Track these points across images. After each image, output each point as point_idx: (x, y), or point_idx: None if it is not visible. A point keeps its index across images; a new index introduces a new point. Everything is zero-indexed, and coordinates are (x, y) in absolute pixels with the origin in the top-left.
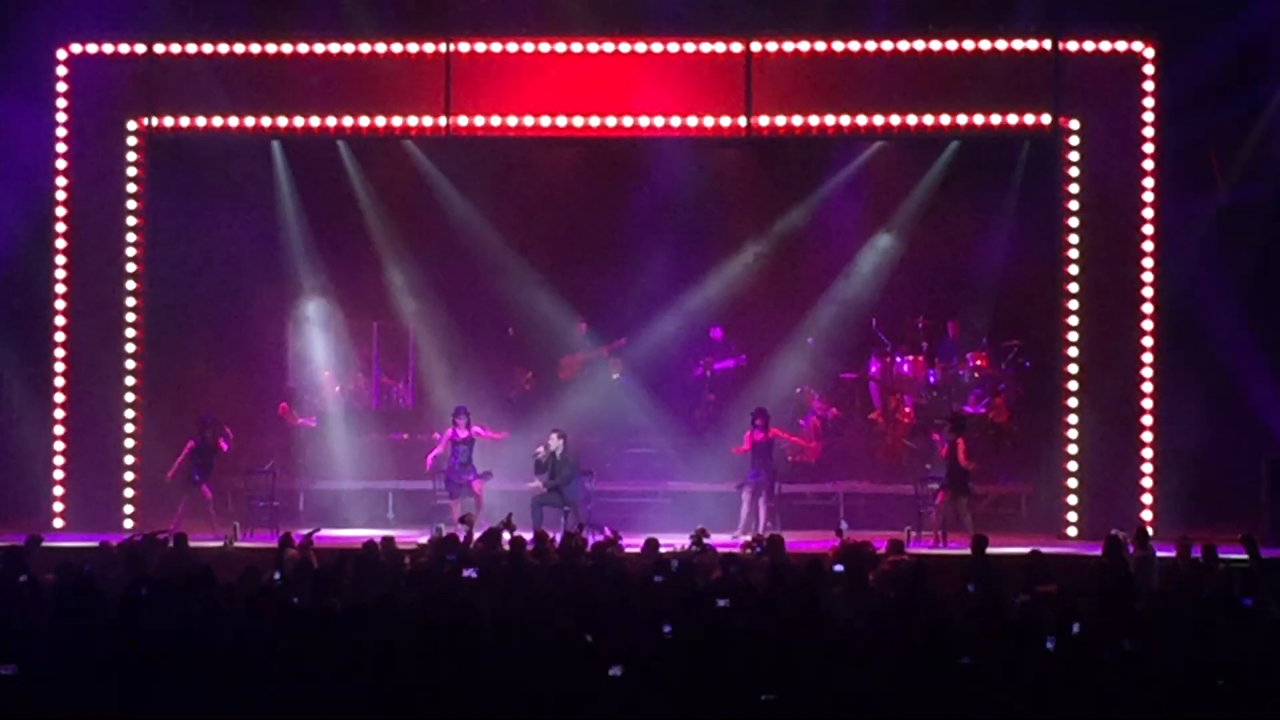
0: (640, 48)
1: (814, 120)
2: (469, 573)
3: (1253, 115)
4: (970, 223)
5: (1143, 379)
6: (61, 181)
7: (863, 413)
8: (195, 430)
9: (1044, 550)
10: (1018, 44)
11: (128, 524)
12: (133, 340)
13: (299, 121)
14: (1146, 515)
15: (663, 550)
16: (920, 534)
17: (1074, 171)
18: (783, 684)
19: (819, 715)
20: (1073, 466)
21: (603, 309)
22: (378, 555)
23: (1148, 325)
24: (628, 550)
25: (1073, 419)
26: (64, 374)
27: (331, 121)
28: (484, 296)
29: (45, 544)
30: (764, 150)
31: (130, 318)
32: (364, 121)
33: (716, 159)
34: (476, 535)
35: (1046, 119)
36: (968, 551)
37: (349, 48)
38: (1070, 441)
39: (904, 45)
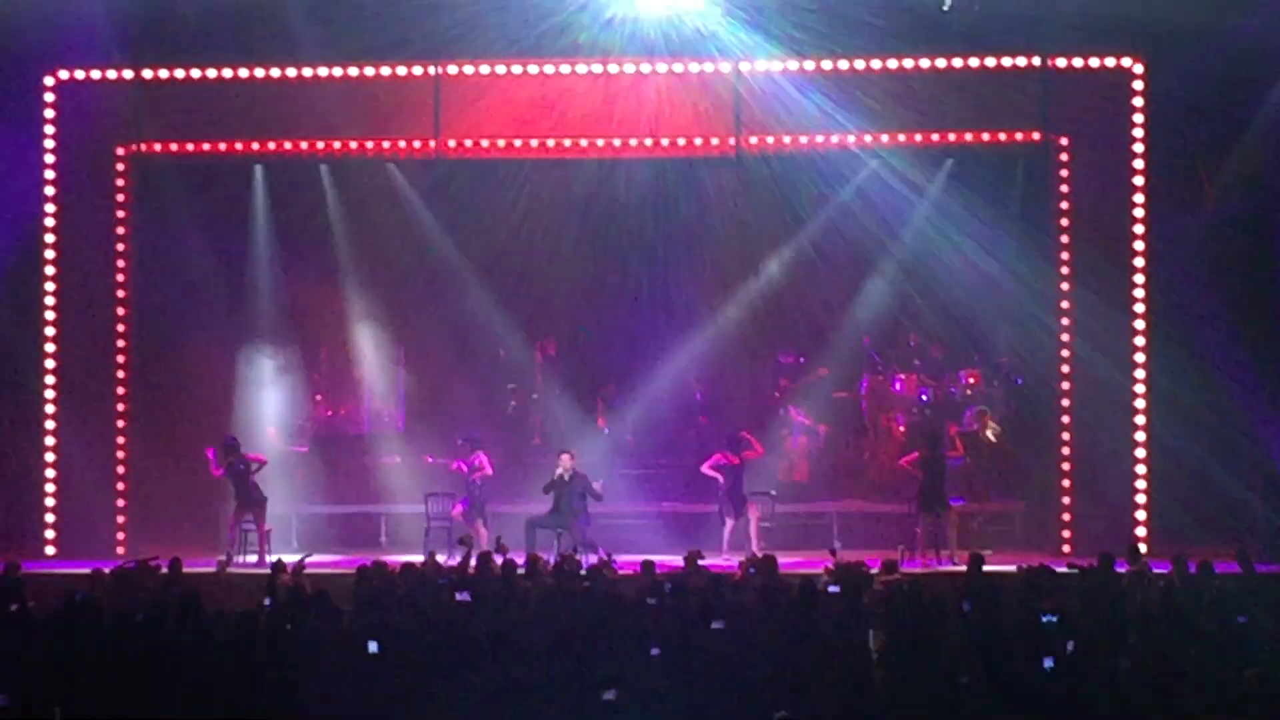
0: (629, 69)
1: (803, 139)
2: (462, 596)
3: (1240, 129)
4: (963, 239)
5: (1136, 394)
6: (50, 208)
7: (855, 432)
8: (220, 457)
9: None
10: (1006, 61)
11: (120, 550)
12: (122, 366)
13: (288, 146)
14: (1141, 531)
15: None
16: (913, 554)
17: (1064, 188)
18: (780, 704)
19: None
20: (1066, 483)
21: (592, 330)
22: (370, 580)
23: (1140, 341)
24: (621, 572)
25: (1066, 435)
26: (54, 400)
27: (320, 145)
28: (473, 319)
29: (40, 571)
30: (757, 171)
31: (120, 343)
32: (353, 145)
33: (708, 180)
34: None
35: (1036, 136)
36: (963, 569)
37: (337, 71)
38: (1064, 458)
39: (893, 64)
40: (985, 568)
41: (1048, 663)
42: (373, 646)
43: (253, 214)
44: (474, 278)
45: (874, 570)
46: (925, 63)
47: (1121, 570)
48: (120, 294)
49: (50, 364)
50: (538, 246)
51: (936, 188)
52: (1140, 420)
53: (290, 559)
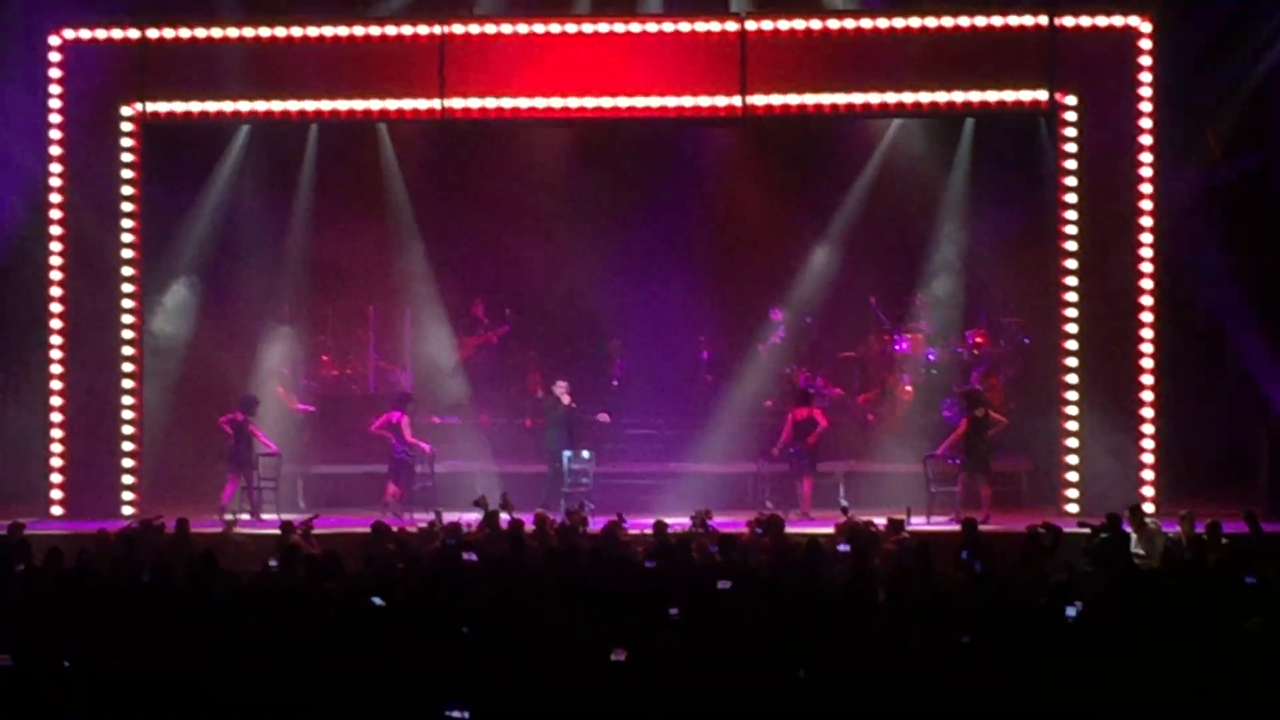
0: (635, 28)
1: (809, 100)
2: (469, 556)
3: (1247, 87)
4: (975, 199)
5: (1142, 354)
6: (56, 168)
7: (863, 391)
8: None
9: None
10: (1014, 20)
11: (127, 510)
12: (130, 326)
13: (293, 105)
14: (1147, 490)
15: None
16: (920, 513)
17: (1071, 147)
18: (787, 664)
19: (826, 694)
20: (1072, 443)
21: (595, 291)
22: (380, 540)
23: (1147, 300)
24: (631, 532)
25: (1072, 395)
26: (61, 361)
27: (325, 106)
28: (477, 279)
29: (45, 531)
30: (763, 131)
31: (127, 304)
32: (358, 105)
33: (712, 139)
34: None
35: (1043, 95)
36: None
37: (343, 31)
38: (1070, 418)
39: (899, 23)
40: (994, 527)
41: (1070, 611)
42: (377, 600)
43: (219, 168)
44: (482, 236)
45: (882, 529)
46: (932, 22)
47: (1128, 530)
48: (126, 253)
49: (57, 324)
50: (533, 206)
51: (963, 148)
52: (1147, 380)
53: (298, 519)
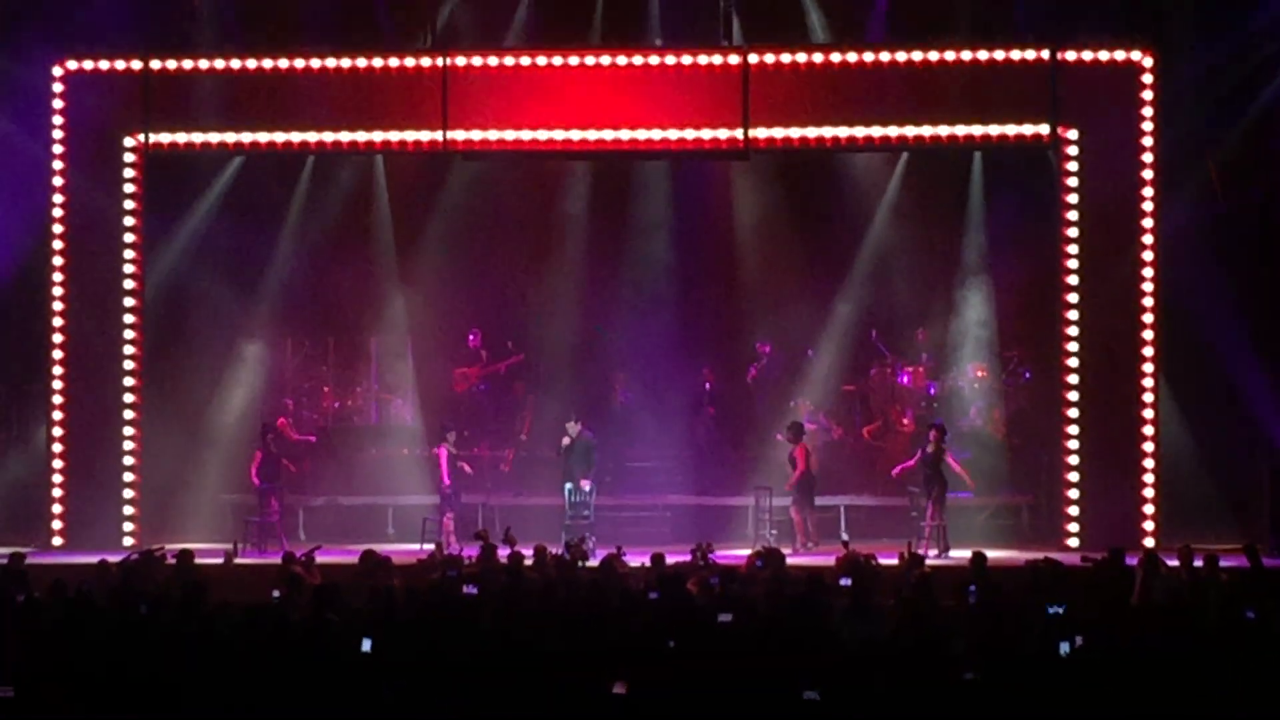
0: (637, 60)
1: (811, 133)
2: (469, 589)
3: (1246, 120)
4: (987, 229)
5: (1144, 388)
6: (59, 198)
7: (864, 424)
8: (260, 440)
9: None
10: (1016, 54)
11: (127, 541)
12: (131, 357)
13: (295, 136)
14: (1148, 525)
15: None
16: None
17: (1073, 181)
18: (789, 698)
19: None
20: (1073, 476)
21: (598, 322)
22: (376, 571)
23: (1148, 335)
24: (631, 564)
25: (1073, 429)
26: (62, 391)
27: (329, 136)
28: (477, 311)
29: (46, 562)
30: (769, 162)
31: (129, 335)
32: (361, 137)
33: (718, 170)
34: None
35: (1046, 129)
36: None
37: (346, 62)
38: (1071, 451)
39: (902, 56)
40: (996, 561)
41: (1064, 647)
42: (366, 645)
43: (204, 199)
44: (485, 269)
45: (895, 563)
46: (934, 55)
47: (1130, 565)
48: (129, 284)
49: (58, 354)
50: (534, 237)
51: (975, 179)
52: (1148, 414)
53: (300, 549)
